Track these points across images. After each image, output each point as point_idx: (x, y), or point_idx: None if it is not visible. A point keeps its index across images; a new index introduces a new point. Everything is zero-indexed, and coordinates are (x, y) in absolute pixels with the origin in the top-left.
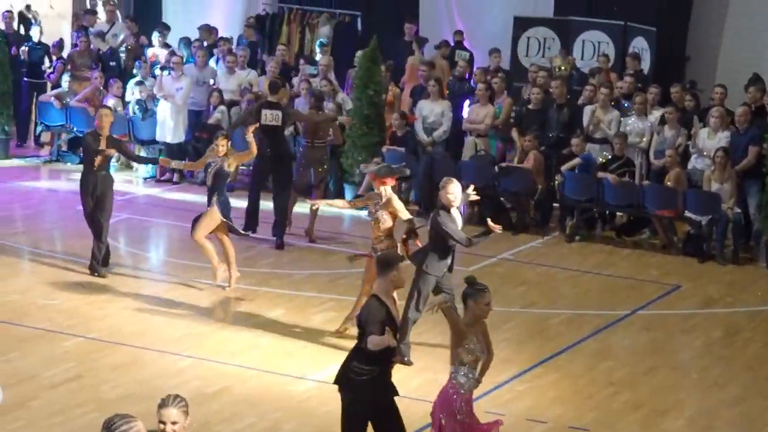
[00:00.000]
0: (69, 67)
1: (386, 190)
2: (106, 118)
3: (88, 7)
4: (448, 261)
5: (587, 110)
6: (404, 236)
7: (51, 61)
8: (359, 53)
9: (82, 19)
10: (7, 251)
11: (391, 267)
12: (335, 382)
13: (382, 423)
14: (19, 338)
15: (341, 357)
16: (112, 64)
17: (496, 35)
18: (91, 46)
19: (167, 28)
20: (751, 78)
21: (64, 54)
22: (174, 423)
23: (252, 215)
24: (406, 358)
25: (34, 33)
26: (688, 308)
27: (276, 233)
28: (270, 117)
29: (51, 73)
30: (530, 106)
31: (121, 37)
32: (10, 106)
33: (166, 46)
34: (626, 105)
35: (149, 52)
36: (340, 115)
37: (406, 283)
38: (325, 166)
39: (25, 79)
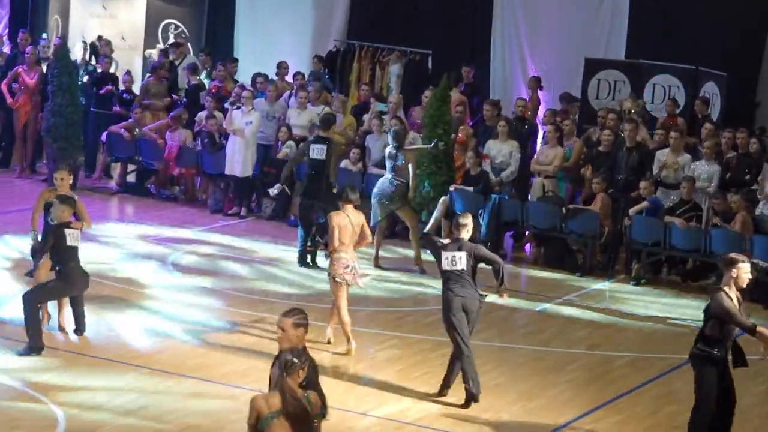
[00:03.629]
0: (143, 98)
1: None
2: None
3: (160, 41)
4: None
5: (659, 154)
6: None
7: (117, 92)
8: (427, 92)
9: (169, 51)
10: None
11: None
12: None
13: None
14: (84, 369)
15: (404, 394)
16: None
17: (567, 77)
18: (165, 79)
19: (235, 60)
20: None
21: (135, 86)
22: (282, 330)
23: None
24: None
25: (104, 65)
26: (752, 354)
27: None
28: (316, 151)
29: (116, 105)
30: (600, 148)
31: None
32: (80, 137)
33: (234, 81)
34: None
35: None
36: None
37: None
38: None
39: (93, 109)
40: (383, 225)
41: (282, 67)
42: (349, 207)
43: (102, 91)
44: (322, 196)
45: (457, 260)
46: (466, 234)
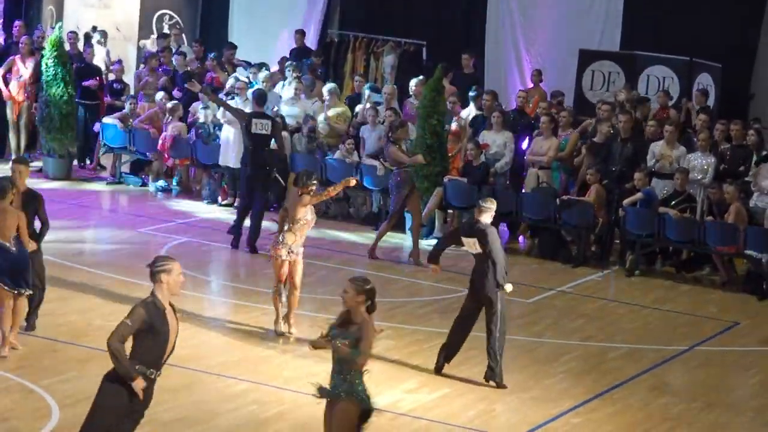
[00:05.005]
0: (139, 85)
1: None
2: (20, 175)
3: (154, 30)
4: None
5: (653, 146)
6: None
7: (103, 83)
8: (414, 81)
9: (156, 42)
10: (68, 272)
11: None
12: None
13: None
14: (77, 359)
15: (397, 385)
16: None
17: (561, 68)
18: (160, 68)
19: (233, 47)
20: None
21: (127, 77)
22: (345, 292)
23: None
24: None
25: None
26: (746, 346)
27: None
28: (260, 126)
29: (107, 95)
30: (595, 140)
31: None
32: (74, 128)
33: (223, 68)
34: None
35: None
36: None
37: None
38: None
39: (77, 100)
40: (395, 218)
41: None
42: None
43: (86, 83)
44: (267, 171)
45: (471, 244)
46: (485, 218)
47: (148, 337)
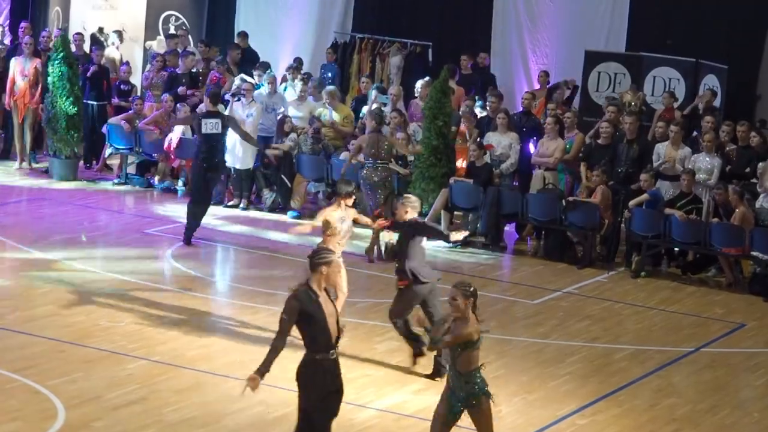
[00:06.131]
0: (146, 86)
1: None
2: None
3: (161, 31)
4: None
5: (658, 147)
6: None
7: (110, 83)
8: (419, 82)
9: (166, 43)
10: (74, 273)
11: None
12: None
13: None
14: (83, 359)
15: (404, 386)
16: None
17: (567, 69)
18: (164, 70)
19: (238, 47)
20: None
21: (133, 78)
22: (454, 299)
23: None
24: None
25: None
26: (752, 347)
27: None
28: (210, 126)
29: (114, 96)
30: (600, 141)
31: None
32: (80, 129)
33: (230, 70)
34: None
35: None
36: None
37: None
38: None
39: (86, 101)
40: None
41: (298, 63)
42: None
43: (89, 74)
44: (221, 168)
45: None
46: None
47: (309, 325)
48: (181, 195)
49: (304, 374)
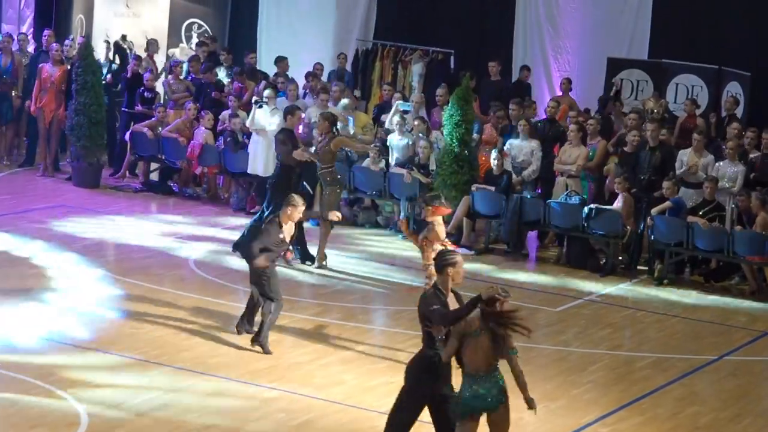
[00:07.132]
0: (165, 93)
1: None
2: None
3: (183, 40)
4: None
5: (681, 154)
6: None
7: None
8: (440, 90)
9: (197, 50)
10: (97, 280)
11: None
12: None
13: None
14: (107, 366)
15: None
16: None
17: (589, 76)
18: (190, 77)
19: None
20: None
21: (158, 85)
22: (508, 294)
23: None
24: None
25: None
26: (761, 356)
27: None
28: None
29: (137, 103)
30: (626, 149)
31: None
32: (104, 136)
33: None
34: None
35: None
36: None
37: None
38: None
39: (124, 109)
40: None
41: (316, 68)
42: None
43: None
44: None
45: None
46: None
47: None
48: (203, 202)
49: (418, 367)
